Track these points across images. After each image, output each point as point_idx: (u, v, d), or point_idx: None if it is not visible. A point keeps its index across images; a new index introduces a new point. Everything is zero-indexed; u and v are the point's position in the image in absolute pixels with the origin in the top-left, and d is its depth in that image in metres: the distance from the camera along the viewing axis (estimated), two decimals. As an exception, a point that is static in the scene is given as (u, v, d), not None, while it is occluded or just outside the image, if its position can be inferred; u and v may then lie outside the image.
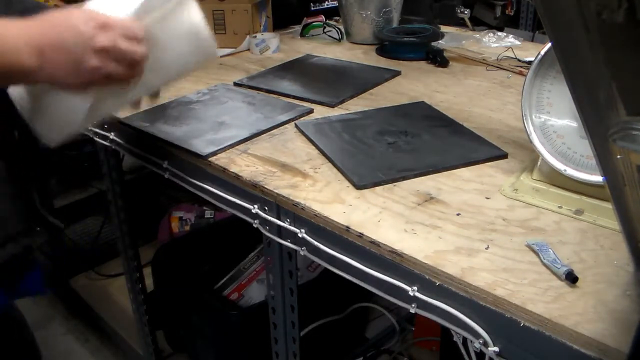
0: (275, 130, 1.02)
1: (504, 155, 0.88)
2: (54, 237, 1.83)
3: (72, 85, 0.68)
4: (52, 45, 0.64)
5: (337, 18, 1.72)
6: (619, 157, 0.43)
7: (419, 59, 1.37)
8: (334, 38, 1.60)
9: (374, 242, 0.70)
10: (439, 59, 1.33)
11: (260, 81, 1.25)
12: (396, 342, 1.67)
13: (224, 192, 0.92)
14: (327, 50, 1.51)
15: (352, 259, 0.74)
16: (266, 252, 0.93)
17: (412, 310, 0.68)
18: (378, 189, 0.81)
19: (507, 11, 2.47)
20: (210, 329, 1.43)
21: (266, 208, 0.85)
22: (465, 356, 0.67)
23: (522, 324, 0.58)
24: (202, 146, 0.95)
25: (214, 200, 0.95)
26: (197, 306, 1.45)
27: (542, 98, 0.78)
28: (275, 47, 1.48)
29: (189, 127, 1.03)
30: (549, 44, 0.75)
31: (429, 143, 0.93)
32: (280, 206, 0.83)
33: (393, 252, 0.68)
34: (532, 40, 1.76)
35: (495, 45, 1.46)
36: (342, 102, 1.13)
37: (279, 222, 0.84)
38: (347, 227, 0.73)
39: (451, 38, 1.48)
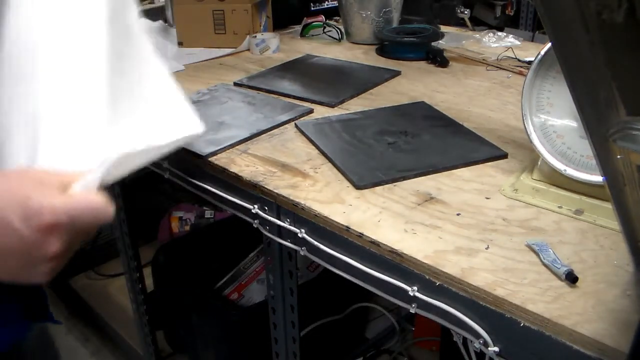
0: (275, 130, 1.02)
1: (504, 155, 0.88)
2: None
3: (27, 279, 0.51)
4: None
5: (337, 18, 1.72)
6: (619, 157, 0.43)
7: (419, 59, 1.37)
8: (334, 38, 1.60)
9: (374, 242, 0.70)
10: (439, 59, 1.33)
11: (260, 81, 1.25)
12: (396, 342, 1.67)
13: (224, 192, 0.92)
14: (327, 50, 1.51)
15: (352, 259, 0.74)
16: (266, 252, 0.93)
17: (412, 310, 0.68)
18: (378, 189, 0.81)
19: (507, 11, 2.47)
20: (210, 329, 1.43)
21: (266, 208, 0.85)
22: (465, 356, 0.67)
23: (522, 324, 0.58)
24: (202, 146, 0.95)
25: (214, 200, 0.95)
26: (197, 306, 1.45)
27: (542, 98, 0.78)
28: (275, 47, 1.48)
29: (189, 127, 1.03)
30: (549, 44, 0.75)
31: (429, 143, 0.93)
32: (280, 206, 0.83)
33: (393, 252, 0.68)
34: (532, 40, 1.76)
35: (495, 45, 1.46)
36: (342, 102, 1.13)
37: (279, 222, 0.84)
38: (347, 227, 0.73)
39: (451, 38, 1.48)
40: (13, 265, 0.49)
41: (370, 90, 1.19)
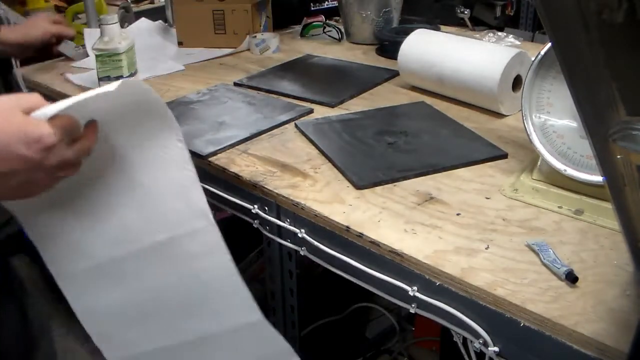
0: (275, 130, 1.02)
1: (504, 155, 0.88)
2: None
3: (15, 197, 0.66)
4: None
5: (337, 18, 1.72)
6: (619, 157, 0.43)
7: (419, 59, 1.37)
8: (334, 38, 1.60)
9: (374, 242, 0.70)
10: (439, 59, 1.33)
11: (260, 81, 1.25)
12: (396, 342, 1.67)
13: (224, 192, 0.92)
14: (327, 50, 1.51)
15: (352, 259, 0.74)
16: (266, 252, 0.93)
17: (412, 310, 0.68)
18: (378, 189, 0.81)
19: (507, 11, 2.47)
20: (210, 329, 1.43)
21: (266, 208, 0.85)
22: (465, 356, 0.67)
23: (522, 324, 0.58)
24: (202, 146, 0.95)
25: (214, 200, 0.95)
26: (197, 306, 1.44)
27: (542, 98, 0.78)
28: (275, 47, 1.48)
29: (189, 127, 1.03)
30: (549, 44, 0.75)
31: (429, 143, 0.93)
32: (280, 206, 0.83)
33: (393, 252, 0.68)
34: (532, 40, 1.76)
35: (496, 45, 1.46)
36: (342, 102, 1.13)
37: (279, 222, 0.84)
38: (347, 227, 0.73)
39: (451, 38, 1.47)
40: (14, 184, 0.61)
41: (370, 90, 1.19)
